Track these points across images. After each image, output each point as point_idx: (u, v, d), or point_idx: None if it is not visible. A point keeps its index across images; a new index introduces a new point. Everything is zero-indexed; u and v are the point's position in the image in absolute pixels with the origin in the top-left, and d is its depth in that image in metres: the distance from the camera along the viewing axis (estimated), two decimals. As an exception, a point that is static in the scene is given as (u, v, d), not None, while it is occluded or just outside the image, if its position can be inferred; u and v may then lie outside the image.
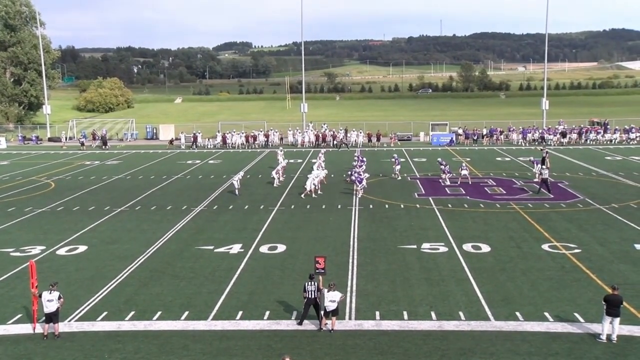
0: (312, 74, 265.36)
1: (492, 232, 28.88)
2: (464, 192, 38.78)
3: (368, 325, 18.27)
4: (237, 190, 38.72)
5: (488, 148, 64.00)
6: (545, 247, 26.21)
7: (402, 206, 34.74)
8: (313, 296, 18.18)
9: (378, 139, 68.54)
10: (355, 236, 28.52)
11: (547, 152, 44.09)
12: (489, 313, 18.99)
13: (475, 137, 69.34)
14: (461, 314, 18.94)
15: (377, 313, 19.06)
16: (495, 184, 42.03)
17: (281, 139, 71.64)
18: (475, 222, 30.88)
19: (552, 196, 36.73)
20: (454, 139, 68.45)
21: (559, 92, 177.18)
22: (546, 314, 18.85)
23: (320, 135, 69.32)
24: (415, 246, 26.56)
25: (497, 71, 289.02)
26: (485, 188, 40.42)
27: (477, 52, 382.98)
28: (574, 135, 67.70)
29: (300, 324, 18.26)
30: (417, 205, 34.78)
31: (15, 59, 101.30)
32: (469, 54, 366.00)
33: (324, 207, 35.23)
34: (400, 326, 18.14)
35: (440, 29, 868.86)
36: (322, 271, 18.51)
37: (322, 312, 17.93)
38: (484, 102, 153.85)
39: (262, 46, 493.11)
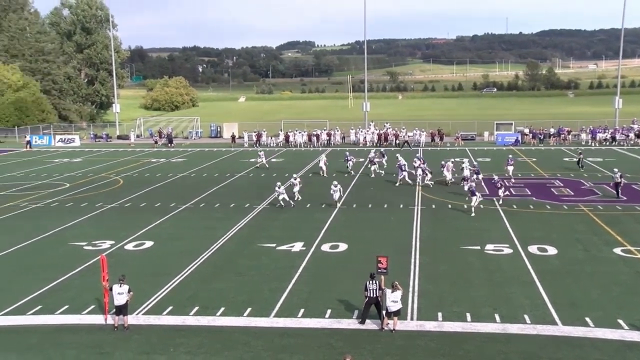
0: (375, 73, 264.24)
1: (559, 234, 28.12)
2: (529, 193, 37.94)
3: (430, 326, 18.09)
4: (290, 199, 35.55)
5: (555, 148, 62.33)
6: (617, 250, 25.32)
7: (465, 206, 34.25)
8: (374, 295, 18.11)
9: (441, 139, 67.69)
10: (417, 236, 28.28)
11: (581, 153, 43.49)
12: (555, 317, 18.48)
13: (542, 137, 67.62)
14: (526, 317, 18.51)
15: (440, 314, 18.85)
16: (562, 184, 40.92)
17: (343, 137, 71.71)
18: (540, 224, 30.13)
19: (624, 198, 35.48)
20: (519, 138, 66.96)
21: (634, 89, 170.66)
22: (620, 320, 18.15)
23: (382, 134, 69.02)
24: (478, 247, 26.14)
25: (565, 69, 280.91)
26: (552, 189, 39.41)
27: (544, 50, 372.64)
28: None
29: (362, 323, 18.25)
30: (481, 206, 34.22)
31: (89, 60, 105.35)
32: (535, 52, 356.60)
33: (385, 206, 35.07)
34: (463, 328, 17.88)
35: (506, 27, 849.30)
36: (385, 271, 18.43)
37: (383, 312, 17.87)
38: (551, 101, 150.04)
39: (324, 45, 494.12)
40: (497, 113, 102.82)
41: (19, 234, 29.60)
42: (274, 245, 27.17)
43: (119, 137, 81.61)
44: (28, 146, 71.82)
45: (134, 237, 28.96)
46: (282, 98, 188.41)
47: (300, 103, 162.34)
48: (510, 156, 46.82)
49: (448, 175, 41.27)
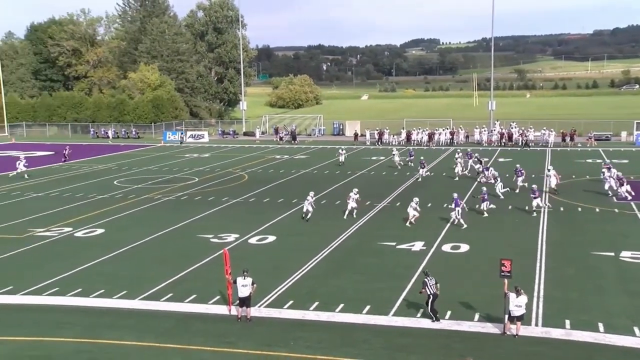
0: (501, 71, 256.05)
1: None
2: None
3: (556, 333, 17.30)
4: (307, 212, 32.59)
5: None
6: None
7: (597, 210, 32.45)
8: (434, 291, 18.35)
9: (572, 139, 64.44)
10: (543, 239, 27.15)
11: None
12: (701, 334, 17.07)
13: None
14: (668, 332, 17.24)
15: (567, 322, 17.98)
16: None
17: (467, 136, 70.16)
18: (684, 232, 27.96)
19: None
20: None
21: None
22: None
23: (506, 133, 66.80)
24: (612, 254, 24.66)
25: None
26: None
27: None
28: None
29: (437, 320, 18.27)
30: (616, 210, 32.28)
31: (219, 59, 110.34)
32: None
33: (509, 207, 33.96)
34: (595, 338, 16.91)
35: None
36: (508, 274, 17.83)
37: (506, 316, 17.31)
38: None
39: (449, 43, 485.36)
40: (637, 112, 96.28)
41: (153, 225, 31.43)
42: (394, 244, 27.07)
43: (245, 134, 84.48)
44: (182, 139, 76.41)
45: (258, 231, 29.88)
46: (405, 96, 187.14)
47: (424, 101, 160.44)
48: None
49: (553, 182, 37.97)
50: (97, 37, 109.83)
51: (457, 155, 46.78)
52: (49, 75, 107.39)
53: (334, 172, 48.38)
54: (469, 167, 46.18)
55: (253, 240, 28.33)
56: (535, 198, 32.67)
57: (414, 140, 68.60)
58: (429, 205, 34.90)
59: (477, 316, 18.61)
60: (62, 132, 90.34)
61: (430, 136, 68.35)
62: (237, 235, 29.00)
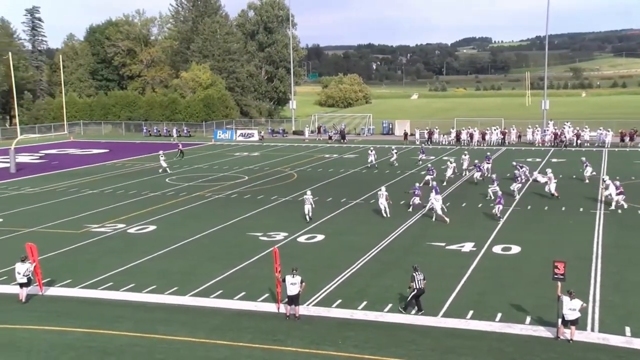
0: (555, 70, 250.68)
1: None
2: None
3: (616, 340, 16.81)
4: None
5: None
6: None
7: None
8: (421, 286, 18.85)
9: (632, 139, 62.53)
10: (599, 242, 26.48)
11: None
12: None
13: None
14: None
15: (627, 329, 17.46)
16: None
17: (519, 136, 68.92)
18: None
19: None
20: None
21: None
22: None
23: (559, 133, 65.32)
24: (672, 259, 23.88)
25: None
26: None
27: None
28: None
29: (405, 311, 19.02)
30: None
31: (269, 58, 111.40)
32: None
33: (563, 209, 33.24)
34: (659, 347, 16.39)
35: None
36: (562, 277, 17.45)
37: (559, 320, 16.95)
38: None
39: (502, 41, 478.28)
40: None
41: (203, 223, 31.91)
42: (443, 244, 26.83)
43: (294, 133, 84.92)
44: (265, 136, 77.17)
45: (306, 230, 29.99)
46: (456, 95, 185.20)
47: (475, 101, 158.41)
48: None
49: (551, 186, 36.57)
50: (150, 37, 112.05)
51: (453, 159, 46.02)
52: (105, 75, 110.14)
53: (384, 172, 48.20)
54: (488, 171, 43.83)
55: (302, 239, 28.46)
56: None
57: (464, 140, 67.78)
58: (480, 205, 34.45)
59: (528, 319, 18.27)
60: (117, 130, 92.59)
61: (483, 135, 67.44)
62: (286, 234, 29.19)
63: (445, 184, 41.01)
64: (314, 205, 32.14)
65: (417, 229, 29.94)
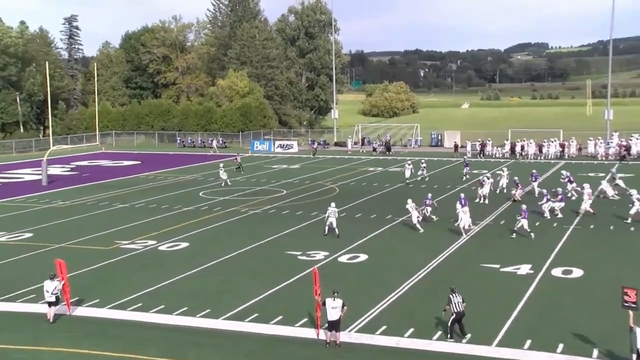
0: (621, 77, 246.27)
1: None
2: None
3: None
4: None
5: None
6: None
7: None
8: (460, 309, 18.49)
9: None
10: (672, 267, 25.49)
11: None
12: None
13: None
14: None
15: None
16: None
17: (579, 149, 67.42)
18: None
19: None
20: None
21: None
22: None
23: (624, 146, 63.63)
24: None
25: None
26: None
27: None
28: None
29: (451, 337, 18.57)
30: None
31: (310, 65, 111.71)
32: None
33: (632, 229, 32.17)
34: None
35: None
36: (634, 306, 16.68)
37: (634, 356, 16.02)
38: None
39: (559, 47, 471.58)
40: None
41: (239, 239, 31.85)
42: (497, 266, 26.19)
43: (336, 144, 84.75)
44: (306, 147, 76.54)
45: (348, 249, 29.65)
46: (510, 104, 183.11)
47: (530, 110, 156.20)
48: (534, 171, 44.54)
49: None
50: (186, 44, 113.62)
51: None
52: (139, 82, 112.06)
53: (432, 186, 47.50)
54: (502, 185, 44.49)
55: (344, 259, 28.11)
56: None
57: (518, 153, 66.58)
58: (537, 223, 33.60)
59: (596, 352, 17.54)
60: (150, 140, 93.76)
61: (540, 148, 66.21)
62: (326, 253, 28.88)
63: (479, 200, 40.35)
64: (337, 216, 32.16)
65: (469, 248, 29.34)
